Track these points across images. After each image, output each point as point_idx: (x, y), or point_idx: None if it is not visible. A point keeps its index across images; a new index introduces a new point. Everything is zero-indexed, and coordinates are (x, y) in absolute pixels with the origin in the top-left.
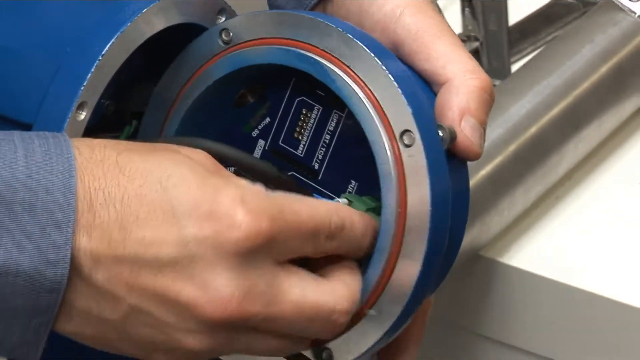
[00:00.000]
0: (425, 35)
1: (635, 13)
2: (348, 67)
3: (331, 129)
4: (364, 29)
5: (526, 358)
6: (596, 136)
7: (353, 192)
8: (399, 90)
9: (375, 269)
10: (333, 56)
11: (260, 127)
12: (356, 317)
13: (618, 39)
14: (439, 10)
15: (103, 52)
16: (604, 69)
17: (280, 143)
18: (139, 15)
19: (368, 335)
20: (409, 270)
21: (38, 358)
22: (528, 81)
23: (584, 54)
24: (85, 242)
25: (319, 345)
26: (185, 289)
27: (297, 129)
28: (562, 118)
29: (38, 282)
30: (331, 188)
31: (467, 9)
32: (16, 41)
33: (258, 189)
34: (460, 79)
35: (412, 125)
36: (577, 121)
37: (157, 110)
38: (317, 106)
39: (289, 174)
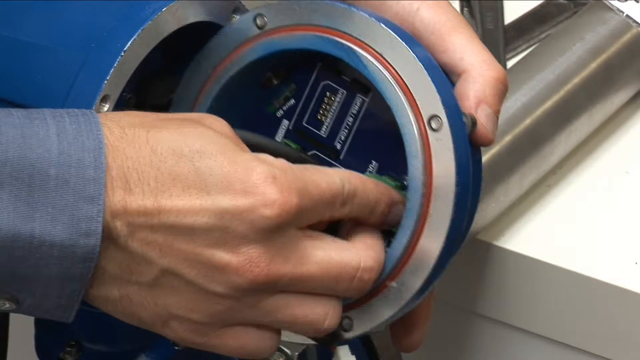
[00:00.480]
0: (442, 29)
1: (623, 12)
2: (379, 54)
3: (354, 112)
4: None
5: (520, 335)
6: (586, 128)
7: (373, 172)
8: (429, 77)
9: (400, 243)
10: (364, 43)
11: (284, 108)
12: (379, 288)
13: (607, 37)
14: None
15: (125, 49)
16: (593, 65)
17: (304, 123)
18: (159, 13)
19: (388, 306)
20: (431, 246)
21: (72, 318)
22: (523, 76)
23: (575, 51)
24: (121, 213)
25: (347, 311)
26: (217, 254)
27: (321, 110)
28: (554, 111)
29: (71, 252)
30: (352, 168)
31: (465, 9)
32: (44, 38)
33: (283, 164)
34: (477, 70)
35: (441, 111)
36: (568, 114)
37: (188, 89)
38: (341, 90)
39: (310, 153)
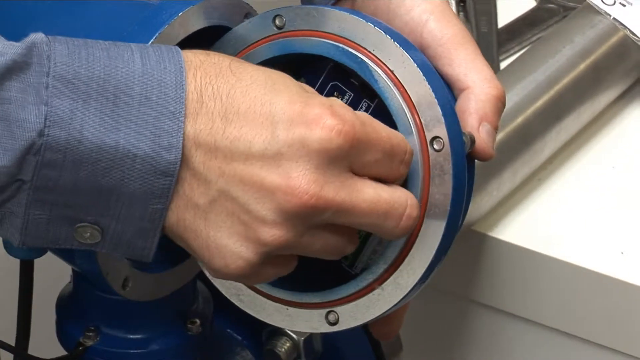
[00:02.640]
0: (449, 42)
1: (610, 15)
2: (391, 70)
3: None
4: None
5: (512, 320)
6: (575, 126)
7: None
8: (436, 100)
9: (392, 252)
10: (377, 58)
11: None
12: (366, 290)
13: (595, 40)
14: None
15: None
16: (582, 66)
17: None
18: (175, 18)
19: (375, 306)
20: (420, 259)
21: (151, 257)
22: (515, 77)
23: (565, 53)
24: (190, 127)
25: (334, 306)
26: (270, 176)
27: None
28: (545, 110)
29: (154, 165)
30: None
31: (461, 13)
32: (71, 36)
33: (347, 107)
34: (480, 87)
35: (444, 133)
36: (558, 112)
37: None
38: (349, 92)
39: None
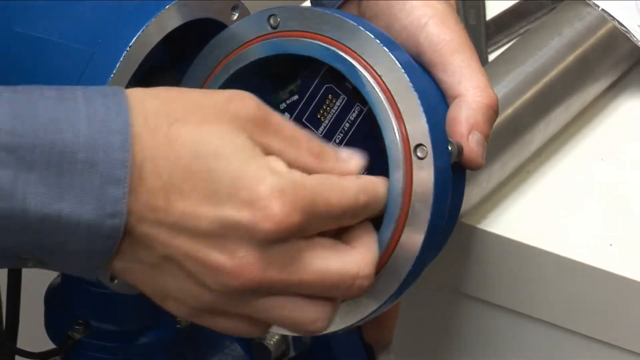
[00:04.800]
0: (445, 48)
1: (598, 7)
2: (379, 75)
3: (352, 118)
4: (392, 31)
5: (501, 312)
6: (563, 118)
7: None
8: (421, 107)
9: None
10: (367, 63)
11: (288, 101)
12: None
13: (583, 32)
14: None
15: (130, 44)
16: (570, 58)
17: (303, 120)
18: (162, 11)
19: (349, 315)
20: (400, 265)
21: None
22: (503, 69)
23: (553, 46)
24: (132, 203)
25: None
26: (214, 255)
27: (321, 110)
28: (533, 102)
29: (97, 231)
30: None
31: None
32: (55, 34)
33: (295, 177)
34: (472, 96)
35: (427, 141)
36: (546, 104)
37: (198, 72)
38: (342, 95)
39: None
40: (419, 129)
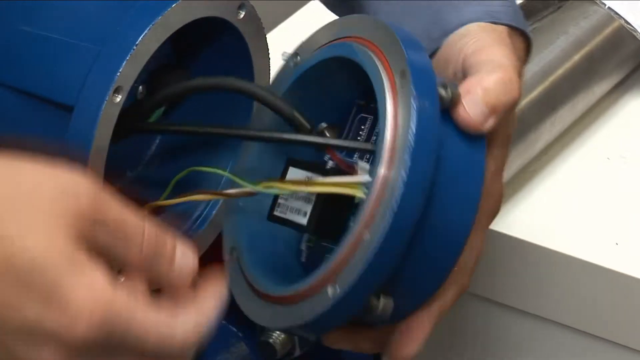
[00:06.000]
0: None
1: (605, 5)
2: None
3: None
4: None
5: (507, 312)
6: (569, 117)
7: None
8: (398, 38)
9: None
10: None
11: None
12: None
13: (589, 31)
14: None
15: (137, 42)
16: (576, 57)
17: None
18: (169, 9)
19: (284, 316)
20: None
21: None
22: None
23: (559, 44)
24: None
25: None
26: (22, 353)
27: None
28: (539, 100)
29: None
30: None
31: None
32: (62, 32)
33: (108, 294)
34: (489, 67)
35: (406, 68)
36: (552, 103)
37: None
38: (370, 117)
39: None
40: (399, 59)
